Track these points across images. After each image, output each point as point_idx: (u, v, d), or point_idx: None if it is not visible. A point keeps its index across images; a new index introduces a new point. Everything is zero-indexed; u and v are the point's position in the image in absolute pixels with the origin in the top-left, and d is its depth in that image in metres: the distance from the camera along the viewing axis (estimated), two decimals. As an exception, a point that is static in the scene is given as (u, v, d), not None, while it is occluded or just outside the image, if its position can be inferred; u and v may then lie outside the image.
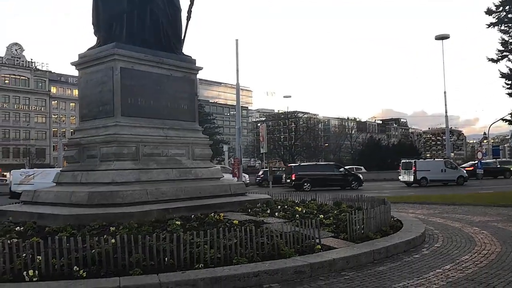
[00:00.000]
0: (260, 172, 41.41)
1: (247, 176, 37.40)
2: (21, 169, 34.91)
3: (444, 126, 51.55)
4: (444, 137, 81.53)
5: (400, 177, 34.59)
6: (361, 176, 33.22)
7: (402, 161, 35.02)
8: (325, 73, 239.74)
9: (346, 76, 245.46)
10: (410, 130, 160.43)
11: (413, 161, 33.52)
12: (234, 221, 8.37)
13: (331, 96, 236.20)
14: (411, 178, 32.61)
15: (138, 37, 11.00)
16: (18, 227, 8.24)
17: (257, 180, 39.05)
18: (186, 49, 12.26)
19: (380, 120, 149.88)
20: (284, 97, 68.57)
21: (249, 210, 10.06)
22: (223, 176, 13.04)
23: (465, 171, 35.57)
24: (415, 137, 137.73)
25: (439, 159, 37.73)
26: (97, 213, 8.50)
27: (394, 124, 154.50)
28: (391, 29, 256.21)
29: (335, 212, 10.34)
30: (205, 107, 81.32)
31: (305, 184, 30.48)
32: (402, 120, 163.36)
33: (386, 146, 77.72)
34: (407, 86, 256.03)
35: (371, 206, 10.43)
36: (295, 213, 9.68)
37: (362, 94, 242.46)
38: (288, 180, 32.36)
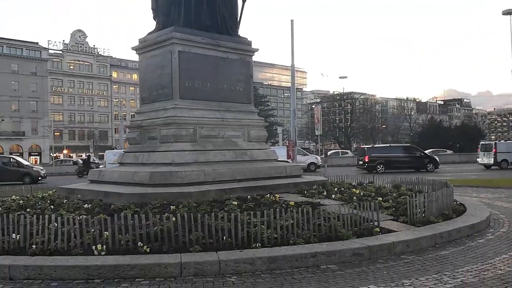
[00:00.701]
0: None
1: (319, 157, 36.98)
2: (114, 150, 37.66)
3: (511, 106, 48.74)
4: (511, 118, 77.03)
5: (479, 159, 33.33)
6: (437, 158, 32.08)
7: (481, 142, 33.87)
8: (383, 52, 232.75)
9: (406, 56, 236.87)
10: (474, 111, 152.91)
11: (493, 142, 32.24)
12: (290, 203, 8.39)
13: (390, 76, 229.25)
14: (491, 160, 31.31)
15: (195, 20, 11.13)
16: (86, 205, 8.71)
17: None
18: (241, 31, 12.29)
19: (442, 100, 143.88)
20: (340, 77, 67.36)
21: (305, 192, 10.04)
22: (278, 158, 13.05)
23: None
24: (479, 118, 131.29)
25: None
26: (157, 192, 8.81)
27: (457, 105, 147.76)
28: (456, 5, 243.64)
29: (394, 195, 10.12)
30: (259, 89, 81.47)
31: (379, 166, 29.68)
32: (465, 100, 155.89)
33: (448, 127, 74.70)
34: (472, 66, 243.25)
35: (432, 189, 10.13)
36: (352, 196, 9.57)
37: (423, 74, 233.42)
38: (361, 162, 31.70)
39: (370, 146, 35.81)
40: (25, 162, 31.75)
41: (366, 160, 30.54)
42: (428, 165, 30.02)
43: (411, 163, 30.12)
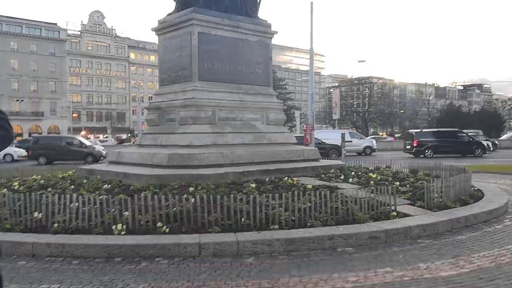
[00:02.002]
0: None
1: (374, 141, 36.75)
2: None
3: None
4: (532, 104, 75.66)
5: None
6: (485, 143, 31.74)
7: None
8: (402, 35, 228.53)
9: (426, 40, 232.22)
10: (494, 97, 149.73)
11: None
12: (307, 186, 8.43)
13: (409, 60, 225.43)
14: None
15: (215, 1, 11.10)
16: (106, 185, 8.85)
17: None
18: (261, 13, 12.21)
19: (461, 85, 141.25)
20: (358, 61, 66.84)
21: (322, 176, 10.07)
22: (297, 142, 13.05)
23: None
24: (499, 104, 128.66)
25: None
26: (176, 174, 8.91)
27: (477, 90, 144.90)
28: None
29: (411, 179, 10.08)
30: (277, 73, 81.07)
31: (427, 150, 29.38)
32: (485, 85, 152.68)
33: (467, 113, 73.55)
34: (493, 51, 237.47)
35: (450, 175, 10.07)
36: (370, 180, 9.57)
37: (443, 60, 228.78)
38: (408, 147, 31.23)
39: (419, 130, 35.21)
40: (87, 143, 31.25)
41: (415, 144, 30.15)
42: (476, 150, 29.71)
43: (459, 148, 29.85)
